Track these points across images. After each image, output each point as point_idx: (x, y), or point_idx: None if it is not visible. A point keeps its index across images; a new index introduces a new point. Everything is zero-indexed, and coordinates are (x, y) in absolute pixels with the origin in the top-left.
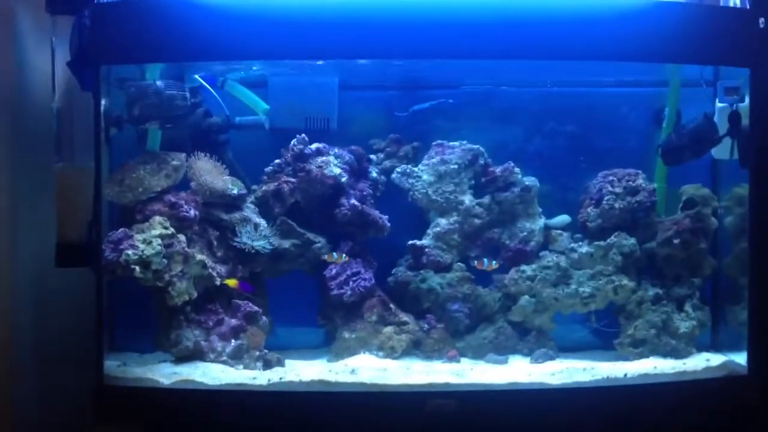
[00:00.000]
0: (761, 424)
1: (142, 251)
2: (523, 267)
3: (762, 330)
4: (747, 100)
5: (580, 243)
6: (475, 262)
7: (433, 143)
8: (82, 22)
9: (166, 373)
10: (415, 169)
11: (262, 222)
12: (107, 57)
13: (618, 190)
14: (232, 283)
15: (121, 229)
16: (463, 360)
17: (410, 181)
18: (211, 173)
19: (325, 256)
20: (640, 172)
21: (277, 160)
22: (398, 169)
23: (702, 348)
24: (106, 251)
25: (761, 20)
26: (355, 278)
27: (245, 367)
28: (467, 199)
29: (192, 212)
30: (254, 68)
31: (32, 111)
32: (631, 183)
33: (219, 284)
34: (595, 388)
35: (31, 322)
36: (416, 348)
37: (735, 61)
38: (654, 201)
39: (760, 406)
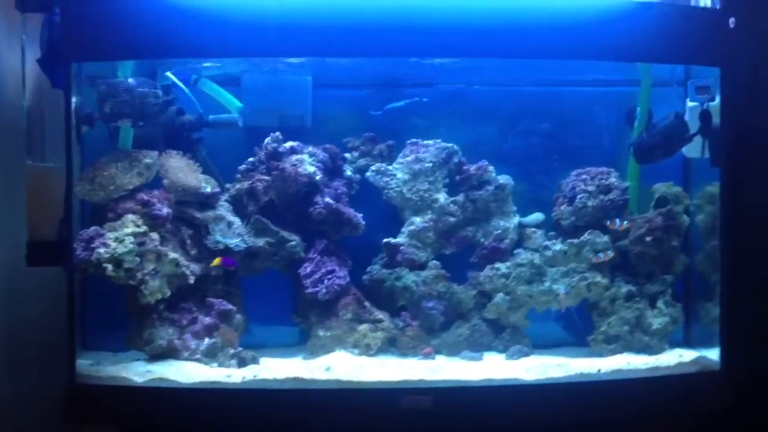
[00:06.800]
0: (733, 418)
1: (114, 249)
2: (498, 265)
3: (733, 326)
4: (717, 99)
5: (554, 241)
6: (608, 222)
7: (408, 141)
8: (53, 19)
9: (139, 372)
10: (390, 167)
11: (236, 220)
12: (78, 54)
13: (591, 188)
14: (216, 262)
15: (93, 228)
16: (438, 357)
17: (385, 179)
18: (183, 171)
19: (608, 222)
20: (612, 170)
21: (250, 159)
22: (373, 168)
23: (675, 344)
24: (78, 250)
25: (731, 20)
26: (329, 276)
27: (219, 365)
28: (442, 197)
29: (164, 210)
30: (215, 65)
31: (3, 109)
32: (603, 181)
33: (192, 282)
34: (569, 384)
35: (2, 321)
36: (391, 345)
37: (706, 61)
38: (626, 199)
39: (732, 401)
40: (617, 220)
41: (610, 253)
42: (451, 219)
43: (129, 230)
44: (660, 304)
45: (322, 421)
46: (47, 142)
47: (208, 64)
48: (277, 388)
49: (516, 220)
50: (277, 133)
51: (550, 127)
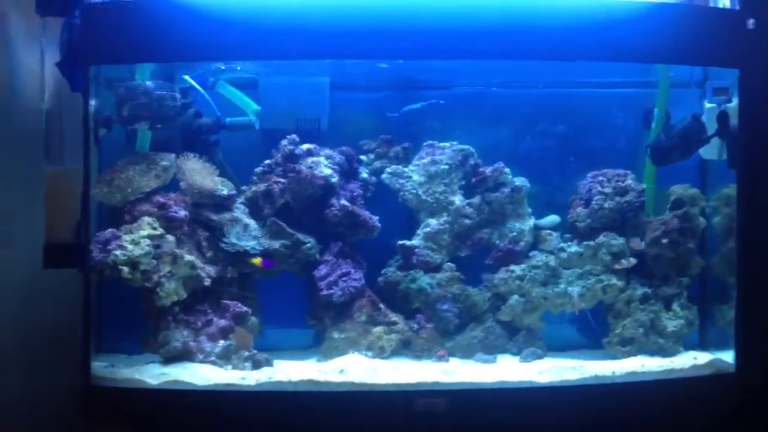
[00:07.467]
0: (747, 421)
1: (131, 252)
2: (513, 267)
3: (749, 329)
4: (735, 100)
5: (570, 243)
6: (629, 240)
7: (424, 144)
8: (72, 23)
9: (154, 374)
10: (406, 169)
11: (252, 222)
12: (97, 57)
13: (607, 190)
14: (257, 261)
15: (110, 230)
16: (453, 359)
17: (400, 181)
18: (200, 174)
19: (629, 240)
20: (629, 172)
21: (267, 161)
22: (388, 170)
23: (690, 347)
24: (94, 252)
25: (750, 21)
26: (344, 278)
27: (234, 368)
28: (457, 199)
29: (181, 213)
30: (238, 68)
31: (23, 112)
32: (620, 183)
33: (208, 285)
34: (584, 386)
35: (20, 321)
36: (406, 348)
37: (724, 62)
38: (643, 201)
39: (746, 403)
40: (639, 240)
41: (633, 260)
42: (467, 221)
43: (145, 232)
44: (675, 306)
45: (336, 423)
46: (65, 144)
47: (223, 67)
48: (291, 391)
49: (531, 222)
50: (294, 136)
51: (566, 128)
